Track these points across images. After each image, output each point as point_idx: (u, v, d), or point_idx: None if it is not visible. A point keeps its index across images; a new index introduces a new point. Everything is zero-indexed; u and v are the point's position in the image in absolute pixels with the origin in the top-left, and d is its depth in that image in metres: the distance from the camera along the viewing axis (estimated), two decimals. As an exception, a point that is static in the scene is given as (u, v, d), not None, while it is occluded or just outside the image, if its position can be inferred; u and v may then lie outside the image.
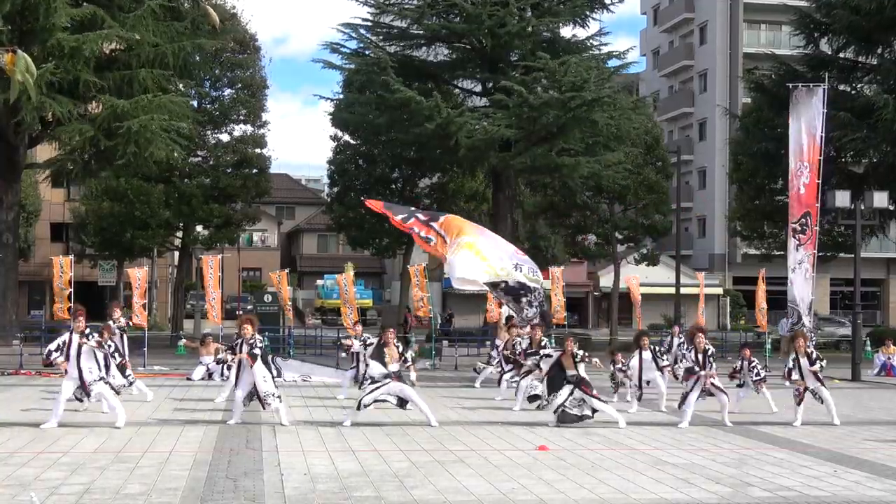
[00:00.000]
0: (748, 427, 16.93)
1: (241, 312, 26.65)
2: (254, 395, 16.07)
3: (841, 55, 40.86)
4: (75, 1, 31.42)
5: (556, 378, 16.68)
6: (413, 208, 20.50)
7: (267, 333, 34.10)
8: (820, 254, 35.02)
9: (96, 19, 31.08)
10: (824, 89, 27.87)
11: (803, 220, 27.41)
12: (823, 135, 27.85)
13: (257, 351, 15.99)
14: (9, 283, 32.06)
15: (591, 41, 35.75)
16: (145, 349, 28.31)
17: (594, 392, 16.55)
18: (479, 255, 17.58)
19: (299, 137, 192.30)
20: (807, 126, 27.66)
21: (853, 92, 40.67)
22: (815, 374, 17.68)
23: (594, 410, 16.38)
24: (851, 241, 33.70)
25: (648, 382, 19.31)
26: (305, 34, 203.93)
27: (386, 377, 16.11)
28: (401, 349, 16.61)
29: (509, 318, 23.95)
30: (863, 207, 30.13)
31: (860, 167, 41.17)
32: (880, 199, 29.77)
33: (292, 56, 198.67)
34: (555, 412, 16.38)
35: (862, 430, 16.95)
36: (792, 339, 18.61)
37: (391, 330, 16.86)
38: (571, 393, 16.28)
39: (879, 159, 40.13)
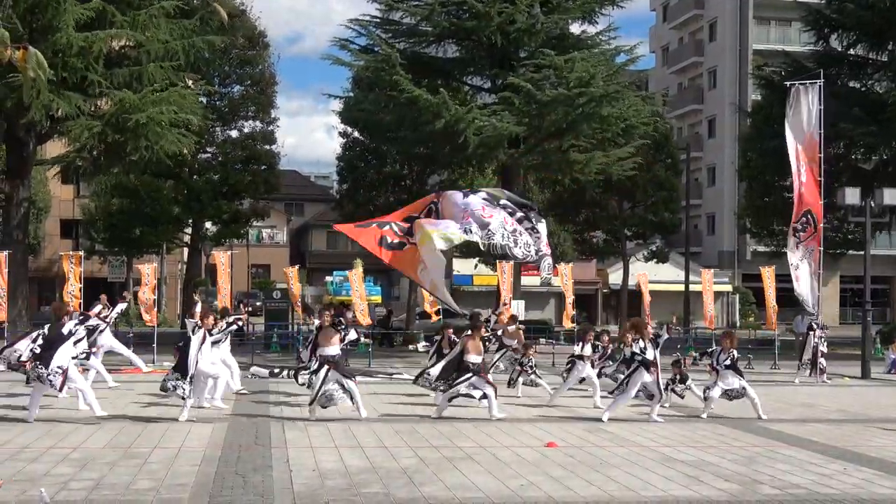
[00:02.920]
0: (758, 424, 16.89)
1: (248, 309, 26.70)
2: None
3: (851, 52, 40.72)
4: (83, -3, 31.46)
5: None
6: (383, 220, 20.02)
7: (277, 329, 34.27)
8: (829, 251, 34.93)
9: (105, 15, 31.11)
10: (820, 86, 27.78)
11: (804, 218, 27.35)
12: (822, 132, 27.79)
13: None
14: (19, 279, 32.08)
15: (600, 37, 35.67)
16: (154, 345, 28.38)
17: None
18: (429, 238, 18.00)
19: (310, 134, 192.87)
20: (803, 124, 27.64)
21: (863, 89, 40.53)
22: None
23: None
24: (861, 239, 33.58)
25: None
26: (318, 33, 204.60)
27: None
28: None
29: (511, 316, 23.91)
30: (872, 205, 30.02)
31: (870, 164, 41.04)
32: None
33: (305, 55, 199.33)
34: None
35: (872, 428, 16.91)
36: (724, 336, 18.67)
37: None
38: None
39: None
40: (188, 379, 15.91)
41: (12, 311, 29.97)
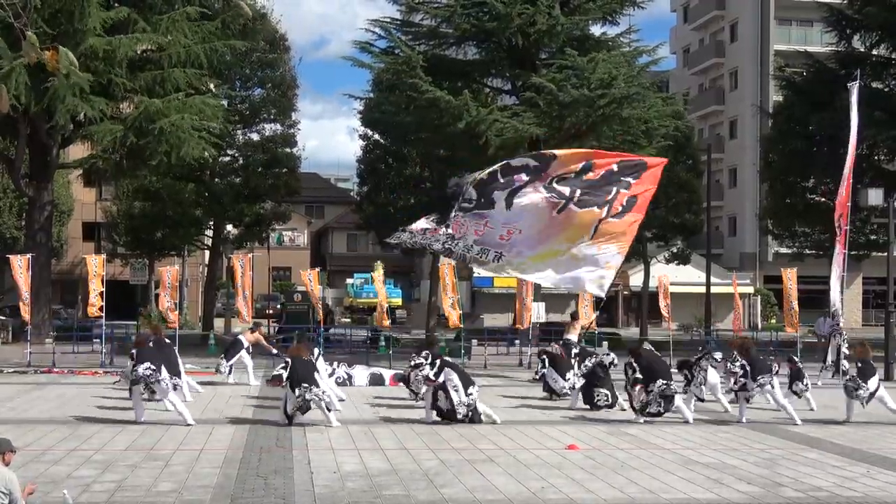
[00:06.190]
0: (779, 427, 16.80)
1: (270, 311, 26.72)
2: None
3: (874, 52, 40.49)
4: (107, 2, 31.67)
5: None
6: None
7: (296, 332, 34.29)
8: (852, 252, 34.68)
9: (129, 21, 31.35)
10: (858, 87, 27.56)
11: (838, 220, 27.10)
12: (857, 133, 27.56)
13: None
14: (42, 282, 32.33)
15: (620, 39, 35.61)
16: (176, 348, 28.43)
17: None
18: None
19: (332, 137, 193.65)
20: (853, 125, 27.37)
21: (886, 89, 40.30)
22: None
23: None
24: (884, 240, 33.37)
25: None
26: (343, 38, 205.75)
27: None
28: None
29: (574, 314, 23.94)
30: (896, 205, 29.81)
31: (893, 165, 40.79)
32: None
33: (329, 59, 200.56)
34: None
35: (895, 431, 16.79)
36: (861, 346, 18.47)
37: None
38: None
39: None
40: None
41: (36, 314, 30.19)
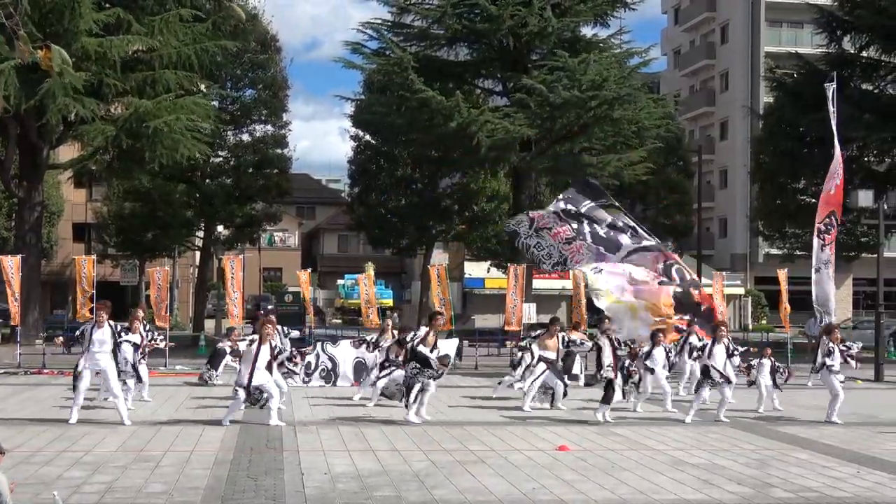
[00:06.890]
0: (770, 427, 16.84)
1: (262, 313, 26.70)
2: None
3: (864, 54, 40.61)
4: (99, 3, 31.64)
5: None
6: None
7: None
8: (843, 253, 34.75)
9: (121, 22, 31.34)
10: (833, 89, 27.64)
11: (828, 219, 27.14)
12: (837, 134, 27.69)
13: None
14: (32, 283, 32.26)
15: (612, 40, 35.69)
16: (166, 348, 28.40)
17: None
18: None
19: (323, 138, 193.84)
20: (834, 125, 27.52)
21: (876, 91, 40.41)
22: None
23: None
24: (874, 241, 33.48)
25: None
26: (336, 39, 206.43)
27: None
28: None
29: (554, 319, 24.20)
30: (886, 207, 29.92)
31: (883, 166, 40.92)
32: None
33: (321, 61, 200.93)
34: None
35: (885, 431, 16.82)
36: (827, 331, 18.84)
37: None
38: None
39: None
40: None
41: (27, 316, 30.09)
